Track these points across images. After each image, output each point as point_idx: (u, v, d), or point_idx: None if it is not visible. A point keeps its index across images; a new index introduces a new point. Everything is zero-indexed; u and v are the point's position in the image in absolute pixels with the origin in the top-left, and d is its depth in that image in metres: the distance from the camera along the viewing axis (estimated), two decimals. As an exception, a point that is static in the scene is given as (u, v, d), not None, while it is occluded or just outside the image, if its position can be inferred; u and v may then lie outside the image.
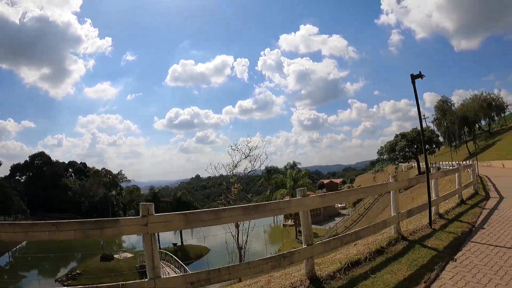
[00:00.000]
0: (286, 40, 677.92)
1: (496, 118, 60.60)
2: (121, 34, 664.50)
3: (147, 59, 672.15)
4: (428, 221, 7.51)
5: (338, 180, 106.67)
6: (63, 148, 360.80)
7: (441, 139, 58.53)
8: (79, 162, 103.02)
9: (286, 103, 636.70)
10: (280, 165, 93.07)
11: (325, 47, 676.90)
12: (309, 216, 4.53)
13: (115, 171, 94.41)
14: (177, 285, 3.33)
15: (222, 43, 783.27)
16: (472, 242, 6.18)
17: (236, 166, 15.71)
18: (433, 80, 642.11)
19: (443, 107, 65.76)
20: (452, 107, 64.17)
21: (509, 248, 5.67)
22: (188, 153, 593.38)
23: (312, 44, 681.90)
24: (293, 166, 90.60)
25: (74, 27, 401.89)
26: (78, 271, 33.71)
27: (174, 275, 2.40)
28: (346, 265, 4.86)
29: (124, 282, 3.09)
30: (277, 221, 62.28)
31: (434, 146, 51.84)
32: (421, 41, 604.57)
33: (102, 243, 41.68)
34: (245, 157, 15.65)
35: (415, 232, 6.93)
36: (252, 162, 15.75)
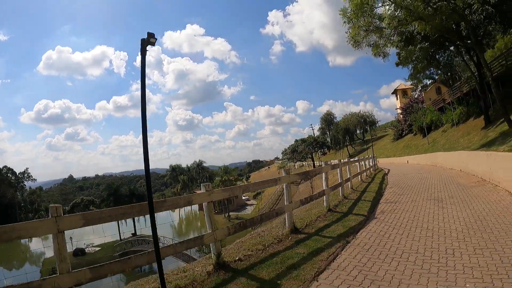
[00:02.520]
0: (171, 37, 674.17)
1: (368, 129, 79.27)
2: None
3: (22, 42, 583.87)
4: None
5: (231, 177, 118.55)
6: None
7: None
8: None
9: (163, 101, 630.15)
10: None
11: (209, 49, 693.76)
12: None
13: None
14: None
15: (104, 32, 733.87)
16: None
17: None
18: (306, 90, 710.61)
19: (327, 118, 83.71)
20: (334, 120, 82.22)
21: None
22: (56, 151, 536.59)
23: (196, 45, 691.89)
24: (199, 164, 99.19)
25: None
26: None
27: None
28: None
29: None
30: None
31: (325, 148, 67.03)
32: (300, 53, 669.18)
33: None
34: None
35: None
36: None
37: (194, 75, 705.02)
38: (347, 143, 73.06)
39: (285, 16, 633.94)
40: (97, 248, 40.74)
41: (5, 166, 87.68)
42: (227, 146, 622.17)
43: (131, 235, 47.15)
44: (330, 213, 8.66)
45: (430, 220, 7.20)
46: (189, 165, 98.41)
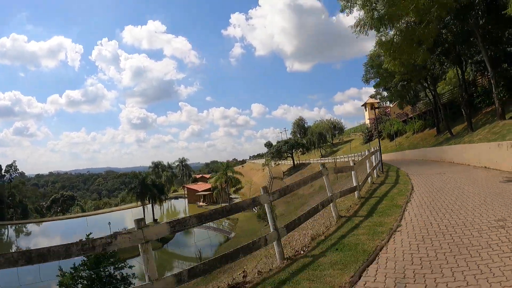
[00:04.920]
0: (131, 32, 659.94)
1: (336, 134, 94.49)
2: None
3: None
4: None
5: (207, 176, 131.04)
6: None
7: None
8: None
9: (118, 98, 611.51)
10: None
11: (169, 47, 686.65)
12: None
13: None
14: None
15: (63, 22, 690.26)
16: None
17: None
18: (263, 93, 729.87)
19: (299, 123, 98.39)
20: (305, 125, 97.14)
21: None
22: (3, 147, 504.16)
23: (156, 41, 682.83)
24: (182, 161, 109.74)
25: None
26: None
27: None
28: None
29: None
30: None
31: (304, 149, 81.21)
32: (259, 57, 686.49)
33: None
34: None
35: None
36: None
37: (151, 73, 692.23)
38: (320, 145, 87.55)
39: (247, 19, 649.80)
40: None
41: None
42: (180, 146, 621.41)
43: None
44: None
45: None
46: (170, 163, 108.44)
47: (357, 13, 20.50)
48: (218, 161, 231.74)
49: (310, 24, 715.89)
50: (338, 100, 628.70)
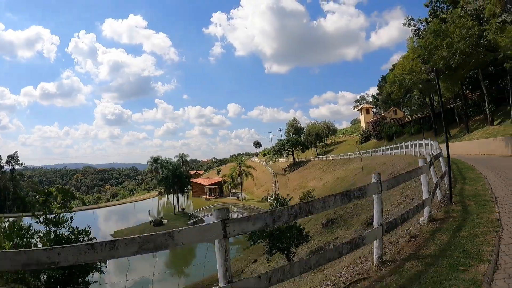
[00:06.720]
0: (111, 26, 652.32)
1: (329, 135, 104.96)
2: None
3: None
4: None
5: (201, 172, 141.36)
6: None
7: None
8: None
9: (93, 93, 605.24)
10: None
11: (148, 42, 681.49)
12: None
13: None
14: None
15: (43, 11, 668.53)
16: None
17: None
18: (239, 94, 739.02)
19: (293, 124, 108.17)
20: (299, 125, 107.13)
21: None
22: None
23: (136, 37, 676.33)
24: (182, 157, 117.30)
25: None
26: None
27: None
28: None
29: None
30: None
31: (303, 147, 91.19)
32: (239, 57, 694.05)
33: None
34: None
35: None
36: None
37: (129, 68, 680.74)
38: (316, 145, 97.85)
39: (228, 19, 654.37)
40: (165, 220, 53.24)
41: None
42: (154, 144, 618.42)
43: (180, 210, 65.42)
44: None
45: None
46: (167, 158, 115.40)
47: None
48: (198, 159, 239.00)
49: (291, 27, 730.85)
50: (314, 103, 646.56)
